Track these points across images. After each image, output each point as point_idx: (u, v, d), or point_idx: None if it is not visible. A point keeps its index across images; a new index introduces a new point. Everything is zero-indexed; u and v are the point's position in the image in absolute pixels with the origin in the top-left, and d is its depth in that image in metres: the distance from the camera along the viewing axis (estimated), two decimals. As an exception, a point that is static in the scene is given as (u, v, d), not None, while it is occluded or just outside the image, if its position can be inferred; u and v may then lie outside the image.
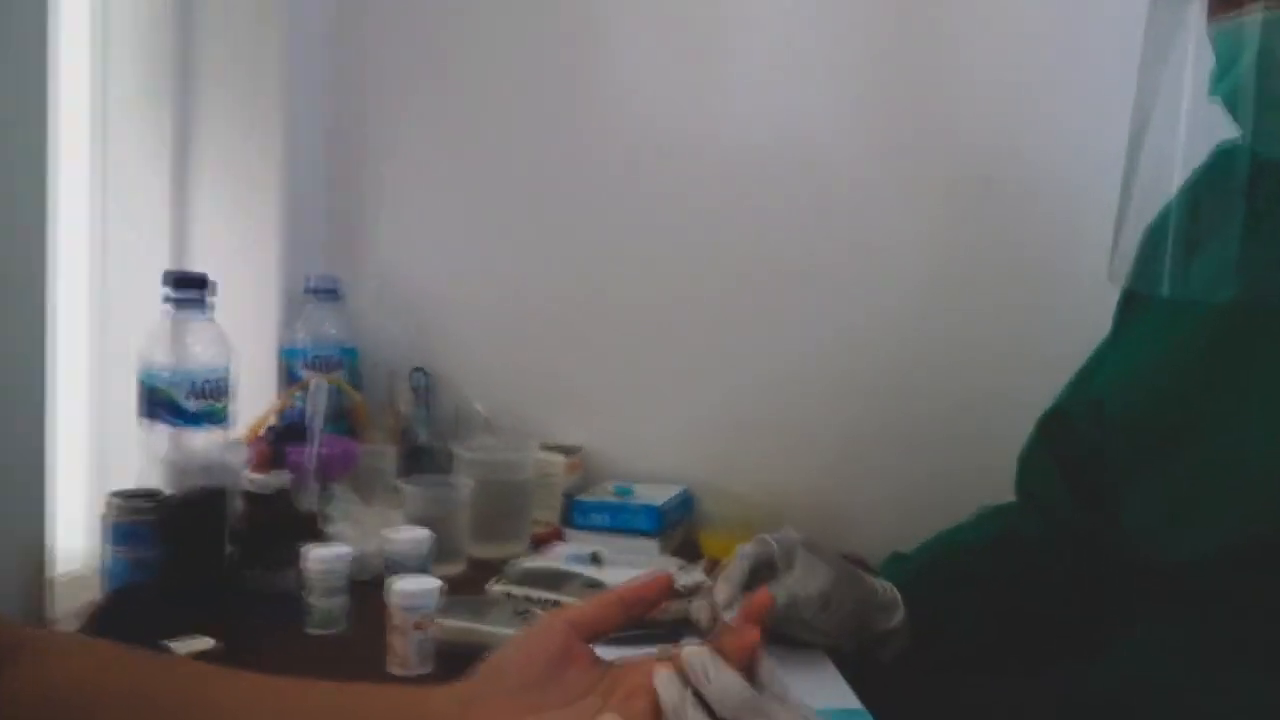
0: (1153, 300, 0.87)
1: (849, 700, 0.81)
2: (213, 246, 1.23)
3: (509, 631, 0.91)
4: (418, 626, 0.88)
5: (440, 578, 1.07)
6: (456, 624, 0.93)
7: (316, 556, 0.96)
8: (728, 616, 0.81)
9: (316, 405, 1.10)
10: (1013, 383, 1.23)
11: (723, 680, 0.52)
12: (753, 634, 0.55)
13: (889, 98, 1.32)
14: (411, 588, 0.89)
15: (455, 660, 0.60)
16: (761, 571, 0.86)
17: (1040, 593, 0.93)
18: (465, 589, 1.05)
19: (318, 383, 1.09)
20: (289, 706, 0.59)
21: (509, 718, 0.55)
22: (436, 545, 1.10)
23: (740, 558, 0.85)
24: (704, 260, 1.38)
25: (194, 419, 1.04)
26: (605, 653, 0.60)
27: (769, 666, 0.55)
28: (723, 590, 0.83)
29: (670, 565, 1.18)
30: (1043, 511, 0.96)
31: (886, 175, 1.33)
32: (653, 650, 0.59)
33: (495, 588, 1.04)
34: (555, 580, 1.05)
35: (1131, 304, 0.94)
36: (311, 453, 1.09)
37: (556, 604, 1.00)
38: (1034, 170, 1.29)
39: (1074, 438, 0.93)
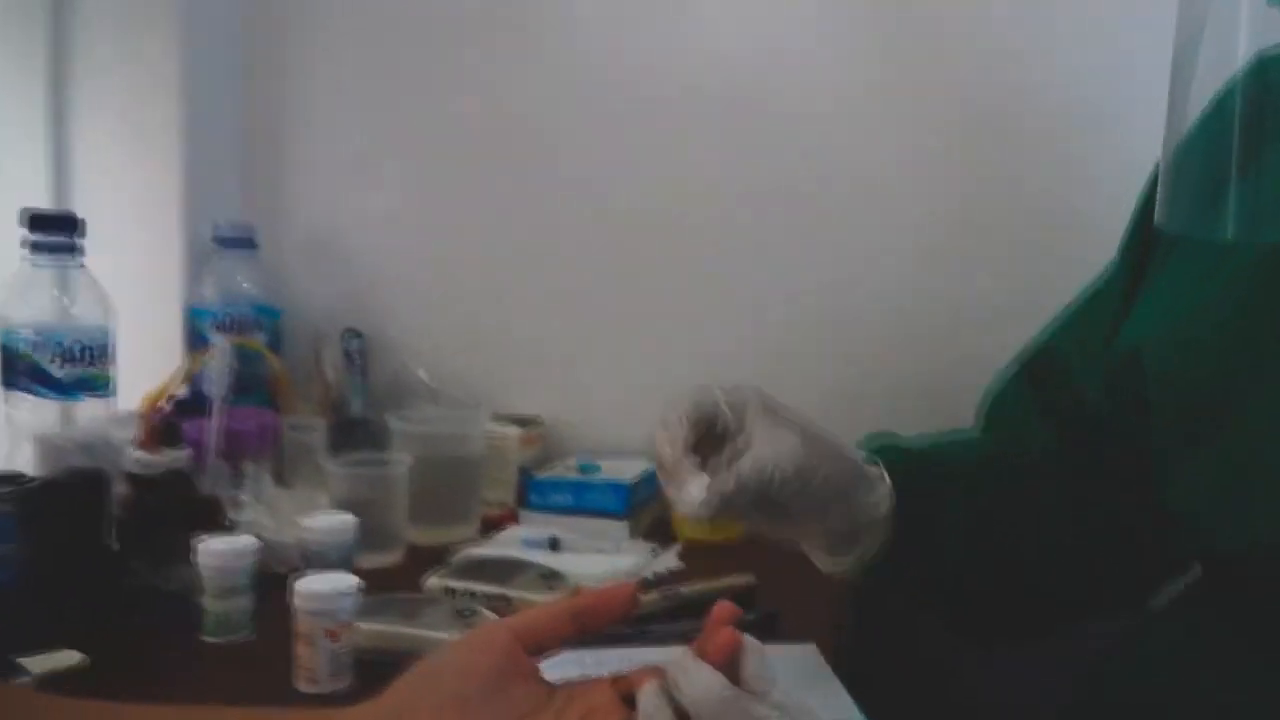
0: (1190, 238, 0.72)
1: (850, 713, 0.70)
2: (99, 187, 1.05)
3: (446, 636, 0.76)
4: (330, 634, 0.72)
5: (374, 569, 0.93)
6: (382, 628, 0.77)
7: (210, 550, 0.80)
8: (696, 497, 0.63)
9: (219, 371, 0.92)
10: (1022, 338, 1.09)
11: (699, 682, 0.47)
12: (729, 632, 0.48)
13: (886, 25, 1.20)
14: (320, 588, 0.72)
15: (381, 671, 0.50)
16: (706, 441, 0.67)
17: (1038, 519, 0.77)
18: (401, 583, 0.91)
19: (220, 345, 0.92)
20: None
21: None
22: (368, 532, 0.94)
23: (681, 412, 0.66)
24: (677, 209, 1.25)
25: (66, 389, 0.87)
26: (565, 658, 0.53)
27: (755, 662, 0.48)
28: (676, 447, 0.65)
29: (641, 550, 1.03)
30: (1028, 469, 0.79)
31: (883, 111, 1.20)
32: (620, 655, 0.54)
33: (433, 582, 0.87)
34: (505, 572, 0.89)
35: (1162, 241, 0.78)
36: (213, 427, 0.92)
37: (506, 600, 0.85)
38: (1046, 104, 1.17)
39: (1068, 389, 0.78)
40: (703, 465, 0.65)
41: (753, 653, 0.48)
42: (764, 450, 0.65)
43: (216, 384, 0.93)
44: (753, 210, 1.22)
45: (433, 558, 0.96)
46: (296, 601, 0.72)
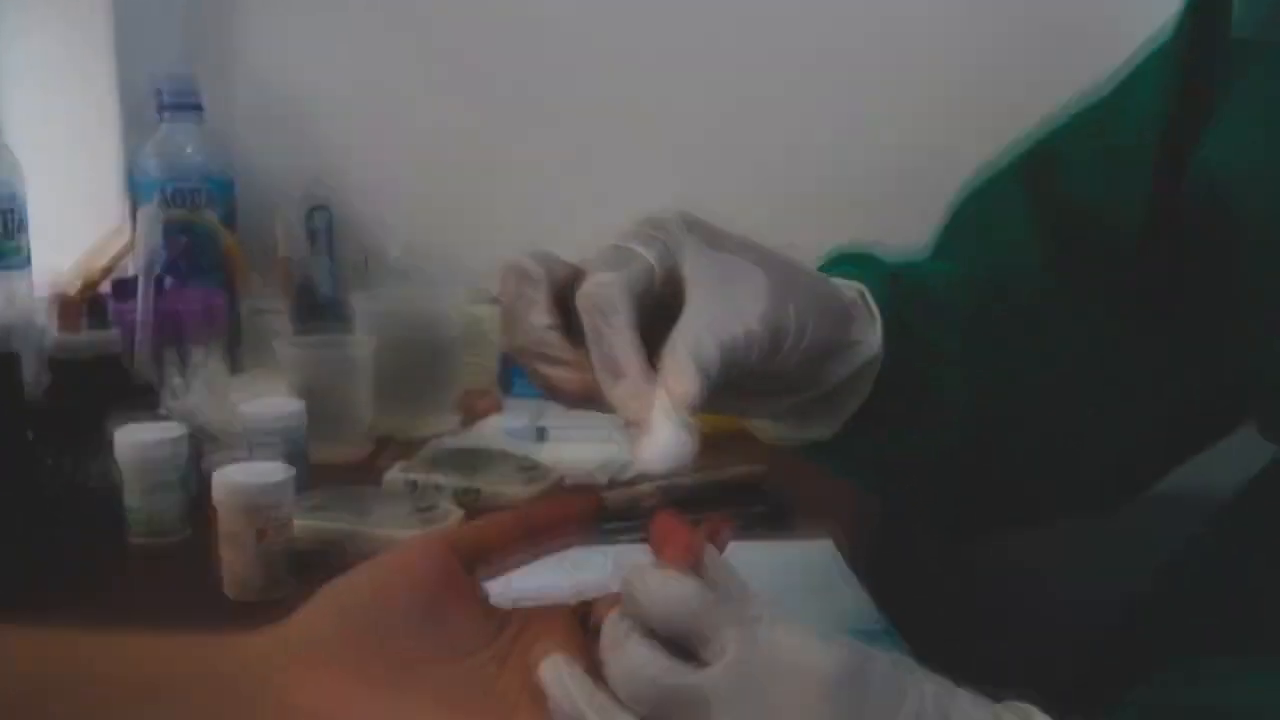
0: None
1: (870, 616, 0.60)
2: (17, 41, 0.92)
3: (401, 534, 0.65)
4: (260, 533, 0.62)
5: (334, 464, 0.83)
6: (325, 525, 0.66)
7: (130, 440, 0.69)
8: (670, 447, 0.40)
9: (147, 244, 0.81)
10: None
11: (664, 593, 0.37)
12: (686, 532, 0.39)
13: None
14: (243, 479, 0.62)
15: (329, 576, 0.40)
16: (646, 310, 0.43)
17: (1047, 365, 0.59)
18: (363, 478, 0.80)
19: (148, 213, 0.80)
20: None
21: (352, 681, 0.37)
22: (328, 421, 0.84)
23: (613, 305, 0.41)
24: (670, 64, 1.11)
25: (-30, 260, 0.76)
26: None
27: (716, 564, 0.38)
28: (622, 377, 0.41)
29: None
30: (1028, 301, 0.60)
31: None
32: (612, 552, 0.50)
33: (393, 474, 0.77)
34: (477, 463, 0.79)
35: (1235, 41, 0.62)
36: (142, 306, 0.81)
37: (475, 494, 0.74)
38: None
39: (1086, 203, 0.60)
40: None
41: (710, 550, 0.38)
42: (714, 302, 0.42)
43: (144, 258, 0.81)
44: (754, 60, 1.09)
45: (402, 451, 0.86)
46: (217, 495, 0.62)
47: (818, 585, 0.67)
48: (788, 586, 0.65)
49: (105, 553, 0.70)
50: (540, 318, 0.42)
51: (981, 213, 0.63)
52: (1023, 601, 1.07)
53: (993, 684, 0.39)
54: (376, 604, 0.39)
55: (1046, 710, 0.38)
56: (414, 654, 0.38)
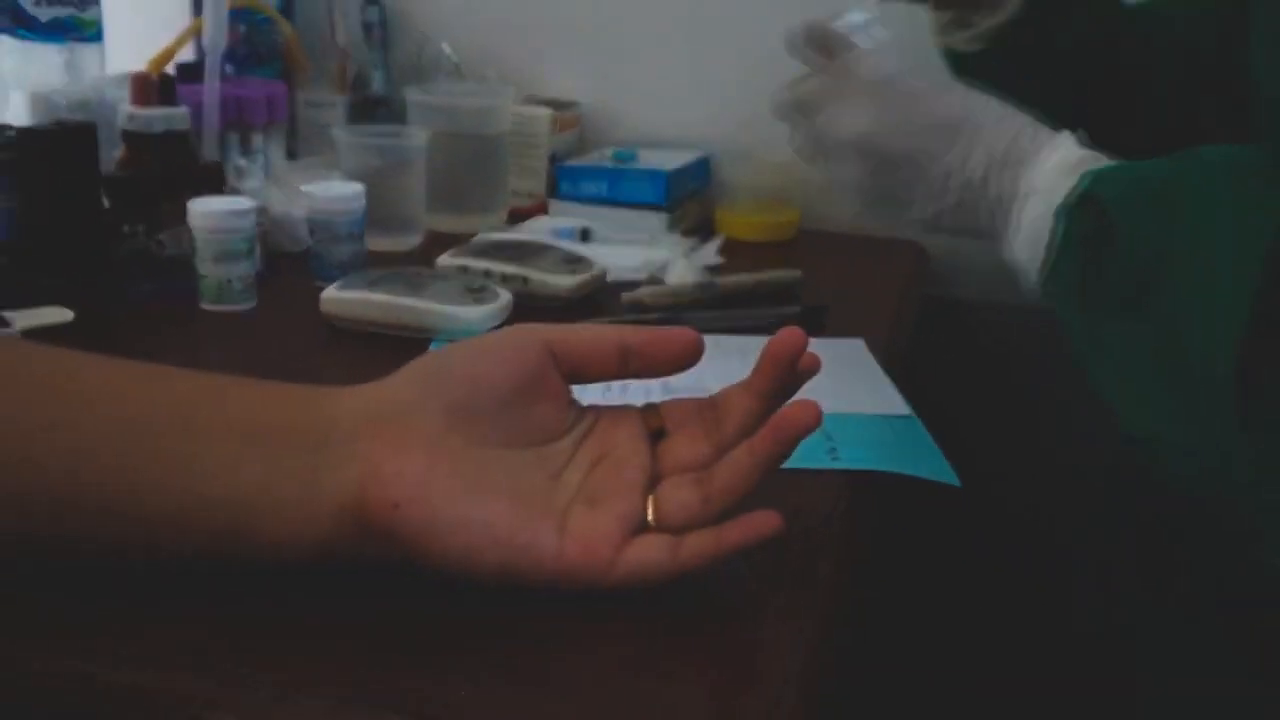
0: None
1: (895, 404, 0.63)
2: None
3: (453, 310, 0.70)
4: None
5: (388, 253, 0.87)
6: (383, 298, 0.71)
7: (204, 210, 0.73)
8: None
9: (213, 24, 0.83)
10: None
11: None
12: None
13: None
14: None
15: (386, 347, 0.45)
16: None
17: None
18: (419, 264, 0.84)
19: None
20: (107, 393, 0.40)
21: (437, 455, 0.39)
22: (383, 212, 0.88)
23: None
24: None
25: (46, 32, 0.79)
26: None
27: None
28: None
29: (678, 244, 0.95)
30: None
31: None
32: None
33: (445, 259, 0.81)
34: (525, 253, 0.82)
35: None
36: (209, 85, 0.83)
37: (524, 280, 0.78)
38: None
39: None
40: None
41: None
42: None
43: (210, 38, 0.83)
44: None
45: (453, 244, 0.90)
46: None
47: (849, 376, 0.68)
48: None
49: (176, 317, 0.75)
50: None
51: None
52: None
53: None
54: (468, 385, 0.40)
55: None
56: (495, 437, 0.40)
